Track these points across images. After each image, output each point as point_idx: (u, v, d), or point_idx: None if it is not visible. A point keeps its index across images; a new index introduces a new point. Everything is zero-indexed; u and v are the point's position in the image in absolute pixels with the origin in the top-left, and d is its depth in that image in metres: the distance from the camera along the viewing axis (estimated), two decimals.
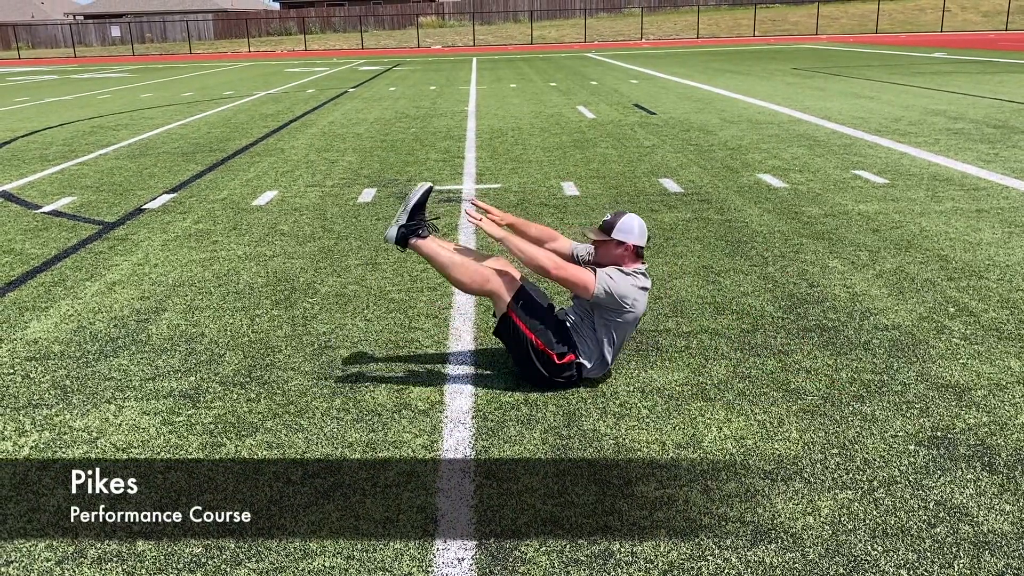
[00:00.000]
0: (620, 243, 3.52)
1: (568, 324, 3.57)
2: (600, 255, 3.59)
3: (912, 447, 3.02)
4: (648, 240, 3.62)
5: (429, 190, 3.57)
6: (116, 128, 12.96)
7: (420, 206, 3.53)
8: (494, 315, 3.60)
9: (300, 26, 60.03)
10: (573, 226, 6.21)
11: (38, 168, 9.40)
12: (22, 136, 12.30)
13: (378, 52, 44.03)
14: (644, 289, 3.51)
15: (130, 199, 7.61)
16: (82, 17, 69.46)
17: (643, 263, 3.59)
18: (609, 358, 3.54)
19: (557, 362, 3.46)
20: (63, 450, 3.15)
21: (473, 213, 3.57)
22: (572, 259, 3.66)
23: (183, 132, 12.29)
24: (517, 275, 3.63)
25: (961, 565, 2.39)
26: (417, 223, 3.51)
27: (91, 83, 24.55)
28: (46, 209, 7.28)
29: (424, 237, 3.52)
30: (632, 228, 3.52)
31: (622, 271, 3.47)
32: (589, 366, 3.51)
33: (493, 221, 3.57)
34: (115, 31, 61.23)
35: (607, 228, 3.55)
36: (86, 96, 19.59)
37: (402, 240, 3.51)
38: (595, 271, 3.46)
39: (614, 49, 38.16)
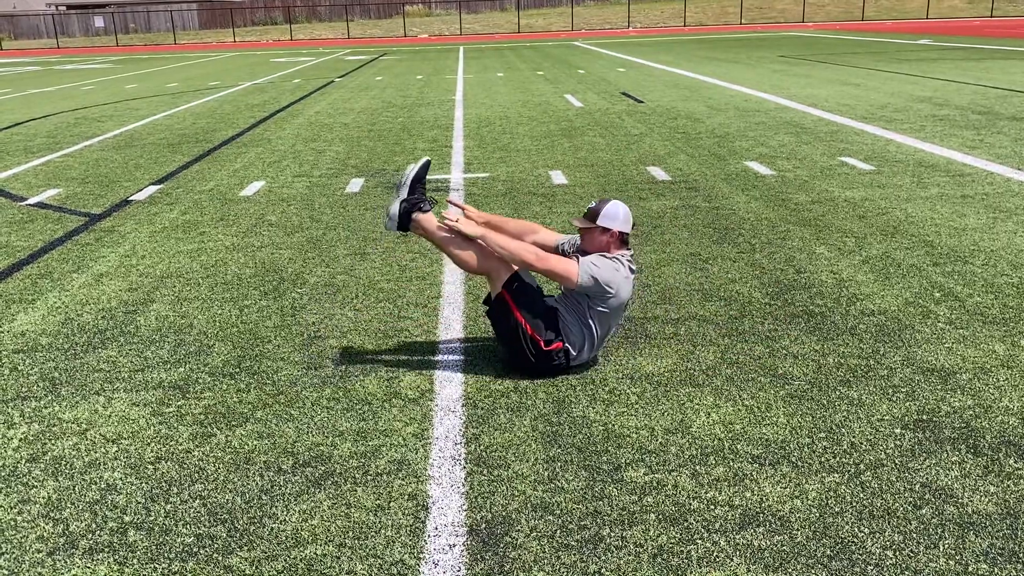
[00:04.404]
0: (605, 230, 3.52)
1: (556, 312, 3.58)
2: (586, 243, 3.59)
3: (898, 430, 3.05)
4: (633, 226, 3.63)
5: (427, 164, 3.54)
6: (101, 119, 12.87)
7: (420, 179, 3.48)
8: (487, 299, 3.61)
9: (286, 16, 59.65)
10: (562, 215, 6.22)
11: (22, 160, 9.33)
12: (5, 128, 12.20)
13: (364, 41, 43.80)
14: (628, 276, 3.51)
15: (116, 191, 7.57)
16: (64, 8, 68.76)
17: (629, 249, 3.60)
18: (595, 345, 3.55)
19: (544, 348, 3.47)
20: (52, 442, 3.15)
21: (451, 215, 3.52)
22: (556, 251, 3.67)
23: (169, 123, 12.21)
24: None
25: (946, 546, 2.42)
26: (419, 197, 3.46)
27: (75, 74, 24.34)
28: (31, 201, 7.23)
29: (426, 211, 3.49)
30: (617, 214, 3.53)
31: (604, 257, 3.48)
32: (575, 354, 3.53)
33: (471, 219, 3.56)
34: (98, 22, 60.67)
35: (591, 215, 3.55)
36: (70, 87, 19.43)
37: (405, 216, 3.44)
38: (578, 259, 3.46)
39: (601, 37, 38.08)
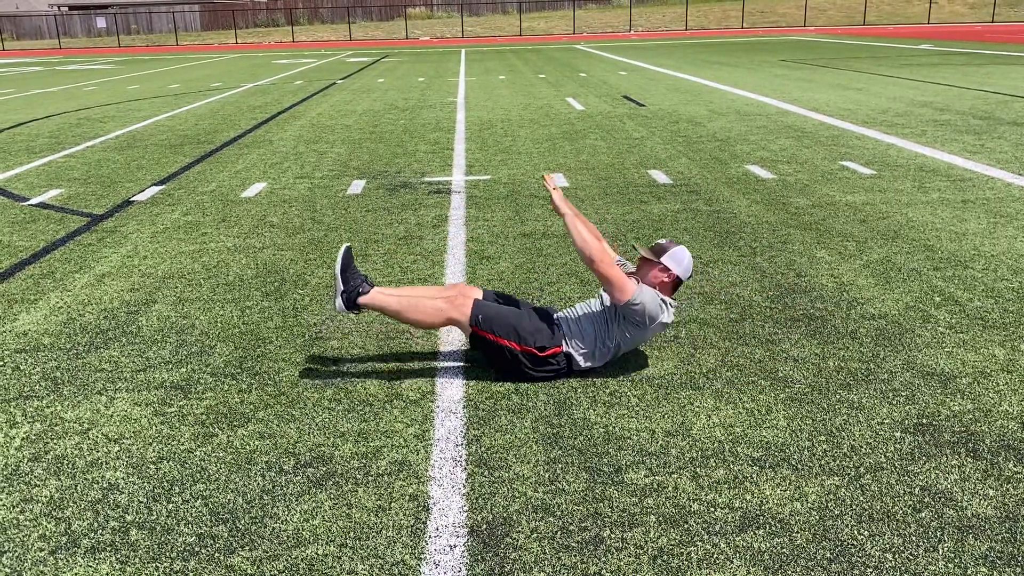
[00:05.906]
0: (666, 269, 3.56)
1: (558, 318, 3.59)
2: (641, 274, 3.61)
3: (898, 434, 3.06)
4: (690, 278, 3.64)
5: (347, 252, 3.60)
6: (103, 120, 12.89)
7: (346, 267, 3.57)
8: (470, 340, 3.62)
9: (288, 17, 59.77)
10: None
11: (25, 160, 9.35)
12: (8, 128, 12.22)
13: (366, 43, 43.86)
14: (662, 323, 3.52)
15: (118, 191, 7.58)
16: (67, 8, 68.88)
17: (674, 299, 3.62)
18: (606, 358, 3.56)
19: (540, 355, 3.49)
20: (55, 441, 3.16)
21: (550, 183, 3.58)
22: None
23: (171, 124, 12.23)
24: (471, 294, 3.66)
25: (946, 549, 2.43)
26: (354, 284, 3.55)
27: (77, 75, 24.38)
28: (34, 201, 7.25)
29: (366, 292, 3.56)
30: (682, 260, 3.58)
31: (659, 296, 3.50)
32: (582, 361, 3.53)
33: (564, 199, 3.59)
34: (100, 22, 60.77)
35: (657, 251, 3.59)
36: (72, 88, 19.46)
37: (350, 304, 3.54)
38: (638, 282, 3.50)
39: (603, 41, 38.13)
